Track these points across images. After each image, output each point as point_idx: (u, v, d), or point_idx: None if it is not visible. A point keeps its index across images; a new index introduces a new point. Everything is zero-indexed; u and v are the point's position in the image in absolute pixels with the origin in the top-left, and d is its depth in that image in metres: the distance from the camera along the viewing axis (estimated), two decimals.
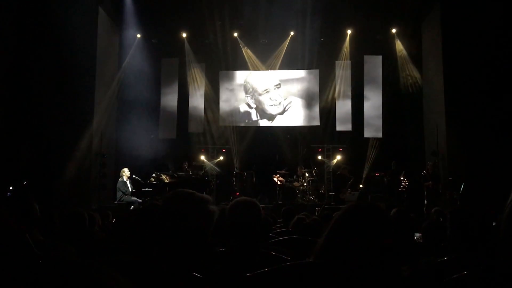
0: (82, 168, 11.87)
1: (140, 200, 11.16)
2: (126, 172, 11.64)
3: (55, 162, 11.33)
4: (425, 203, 11.26)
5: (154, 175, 11.98)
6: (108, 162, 12.94)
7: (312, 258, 1.47)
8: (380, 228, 1.46)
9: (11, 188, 10.46)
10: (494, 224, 2.45)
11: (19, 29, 11.36)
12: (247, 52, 14.45)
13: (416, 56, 13.77)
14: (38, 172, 11.00)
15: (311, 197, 12.93)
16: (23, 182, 10.92)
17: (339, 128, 14.18)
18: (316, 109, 14.47)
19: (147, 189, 11.55)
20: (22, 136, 11.65)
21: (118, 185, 11.54)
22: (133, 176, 11.77)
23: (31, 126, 11.59)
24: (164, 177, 11.97)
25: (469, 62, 11.09)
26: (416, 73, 13.67)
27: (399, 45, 13.96)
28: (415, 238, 4.27)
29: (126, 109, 13.89)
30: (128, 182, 11.56)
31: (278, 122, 14.60)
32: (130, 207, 10.85)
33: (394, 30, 13.91)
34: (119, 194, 11.46)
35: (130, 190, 11.47)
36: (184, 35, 14.41)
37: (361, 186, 12.91)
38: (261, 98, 14.66)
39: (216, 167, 13.93)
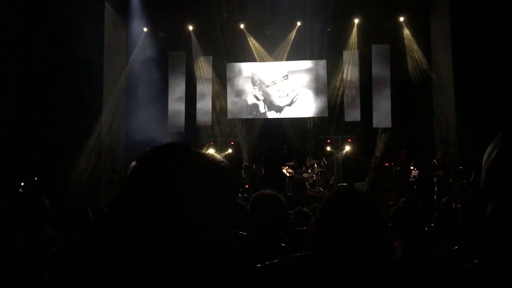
0: (92, 163, 11.95)
1: None
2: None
3: (65, 158, 11.40)
4: (436, 192, 11.19)
5: None
6: (117, 156, 13.02)
7: (304, 248, 1.46)
8: (362, 211, 1.45)
9: (22, 184, 10.56)
10: None
11: (27, 25, 11.38)
12: (254, 44, 14.40)
13: (424, 44, 13.63)
14: (48, 168, 11.08)
15: (320, 188, 12.91)
16: (34, 177, 11.01)
17: (347, 118, 14.12)
18: (324, 100, 14.41)
19: None
20: (32, 132, 11.73)
21: None
22: None
23: (40, 122, 11.66)
24: None
25: (478, 49, 10.95)
26: (424, 61, 13.54)
27: (407, 34, 13.81)
28: (426, 228, 4.25)
29: (134, 103, 13.92)
30: None
31: (286, 113, 14.56)
32: None
33: (402, 19, 13.76)
34: None
35: None
36: (190, 28, 14.38)
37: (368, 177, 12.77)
38: (268, 90, 14.63)
39: (225, 160, 13.92)
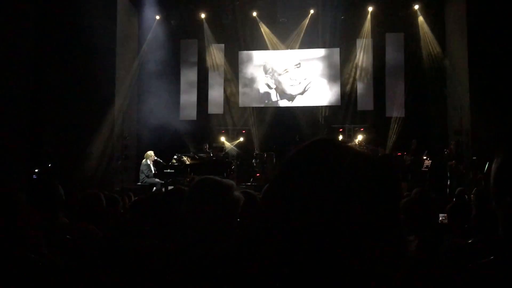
0: (105, 150, 12.05)
1: (162, 182, 11.27)
2: (151, 155, 11.67)
3: (78, 145, 11.52)
4: (448, 183, 11.10)
5: (175, 156, 12.07)
6: (130, 144, 13.12)
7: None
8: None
9: (36, 170, 10.70)
10: None
11: (40, 13, 11.43)
12: (266, 32, 14.31)
13: (439, 33, 13.43)
14: (62, 155, 11.20)
15: None
16: (48, 164, 11.14)
17: (360, 107, 14.02)
18: (337, 89, 14.31)
19: (168, 170, 11.65)
20: (46, 119, 11.85)
21: (142, 167, 11.65)
22: (155, 158, 11.87)
23: (54, 109, 11.77)
24: (185, 158, 12.05)
25: (494, 37, 10.76)
26: (439, 50, 13.36)
27: (421, 22, 13.60)
28: (440, 219, 4.22)
29: (146, 91, 13.97)
30: (151, 165, 11.64)
31: (298, 102, 14.50)
32: (153, 188, 10.99)
33: (416, 7, 13.55)
34: (142, 176, 11.59)
35: (153, 172, 11.58)
36: (202, 15, 14.32)
37: None
38: (280, 78, 14.56)
39: (236, 148, 13.96)
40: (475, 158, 10.95)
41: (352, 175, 0.79)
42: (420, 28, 13.62)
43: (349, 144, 0.88)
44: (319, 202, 0.78)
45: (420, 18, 13.61)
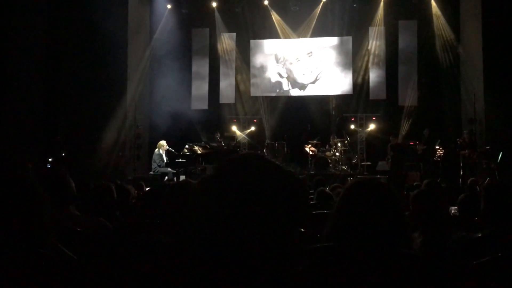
0: (118, 139, 12.16)
1: (174, 171, 11.34)
2: (163, 145, 11.68)
3: (91, 134, 11.63)
4: (461, 173, 11.01)
5: (187, 146, 12.12)
6: (142, 133, 13.21)
7: (322, 241, 1.46)
8: (383, 203, 1.42)
9: (50, 159, 10.83)
10: None
11: (52, 3, 11.48)
12: (277, 20, 14.22)
13: (453, 20, 13.22)
14: (75, 144, 11.33)
15: (343, 167, 12.84)
16: (61, 153, 11.27)
17: (372, 96, 13.92)
18: (349, 77, 14.21)
19: (180, 160, 11.71)
20: (59, 109, 11.97)
21: (154, 157, 11.70)
22: (168, 147, 11.91)
23: (67, 99, 11.89)
24: (197, 148, 12.10)
25: (509, 25, 10.58)
26: (453, 38, 13.16)
27: (435, 9, 13.39)
28: (452, 211, 4.17)
29: (158, 80, 14.01)
30: (164, 154, 11.68)
31: (310, 91, 14.43)
32: (165, 178, 11.07)
33: None
34: (154, 165, 11.65)
35: (165, 161, 11.63)
36: (214, 4, 14.27)
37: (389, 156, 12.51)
38: (292, 67, 14.49)
39: (247, 138, 13.98)
40: (488, 147, 10.84)
41: (264, 183, 1.01)
42: (433, 15, 13.42)
43: (272, 160, 1.10)
44: (237, 200, 0.98)
45: (434, 5, 13.40)
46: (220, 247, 0.97)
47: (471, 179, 6.48)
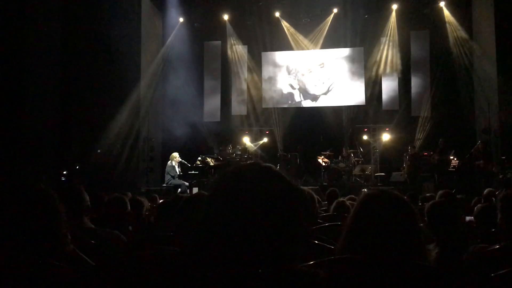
0: (131, 152, 12.24)
1: (187, 184, 11.37)
2: (176, 157, 11.72)
3: (104, 147, 11.72)
4: (476, 183, 10.85)
5: (199, 158, 12.16)
6: (155, 145, 13.29)
7: (337, 253, 1.44)
8: (397, 215, 1.40)
9: (64, 172, 10.92)
10: None
11: (67, 16, 11.61)
12: (289, 32, 14.28)
13: (466, 30, 13.14)
14: (89, 157, 11.42)
15: (357, 178, 12.75)
16: (75, 166, 11.37)
17: (385, 107, 13.86)
18: (361, 88, 14.17)
19: (193, 172, 11.74)
20: (74, 121, 12.09)
21: (167, 169, 11.73)
22: (180, 159, 11.96)
23: (81, 112, 12.00)
24: (209, 160, 12.13)
25: None
26: (466, 47, 13.07)
27: (448, 18, 13.32)
28: (468, 221, 4.11)
29: (170, 93, 14.10)
30: (176, 166, 11.72)
31: (322, 102, 14.41)
32: (178, 190, 11.09)
33: (442, 3, 13.30)
34: (167, 177, 11.69)
35: (178, 173, 11.66)
36: (225, 17, 14.39)
37: (404, 166, 12.39)
38: (304, 78, 14.51)
39: (260, 150, 13.97)
40: (504, 157, 10.69)
41: (261, 192, 1.02)
42: (447, 23, 13.34)
43: (280, 172, 1.10)
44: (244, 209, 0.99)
45: (446, 15, 13.33)
46: (222, 257, 0.98)
47: (488, 189, 6.36)
